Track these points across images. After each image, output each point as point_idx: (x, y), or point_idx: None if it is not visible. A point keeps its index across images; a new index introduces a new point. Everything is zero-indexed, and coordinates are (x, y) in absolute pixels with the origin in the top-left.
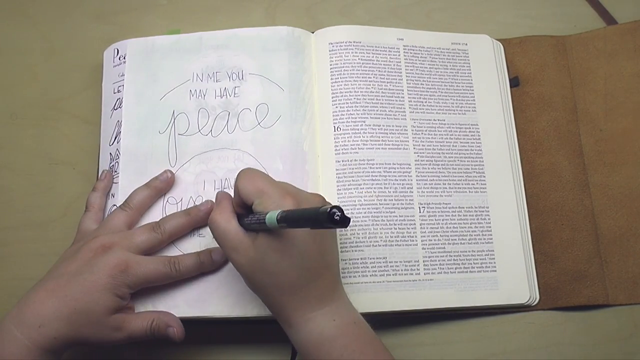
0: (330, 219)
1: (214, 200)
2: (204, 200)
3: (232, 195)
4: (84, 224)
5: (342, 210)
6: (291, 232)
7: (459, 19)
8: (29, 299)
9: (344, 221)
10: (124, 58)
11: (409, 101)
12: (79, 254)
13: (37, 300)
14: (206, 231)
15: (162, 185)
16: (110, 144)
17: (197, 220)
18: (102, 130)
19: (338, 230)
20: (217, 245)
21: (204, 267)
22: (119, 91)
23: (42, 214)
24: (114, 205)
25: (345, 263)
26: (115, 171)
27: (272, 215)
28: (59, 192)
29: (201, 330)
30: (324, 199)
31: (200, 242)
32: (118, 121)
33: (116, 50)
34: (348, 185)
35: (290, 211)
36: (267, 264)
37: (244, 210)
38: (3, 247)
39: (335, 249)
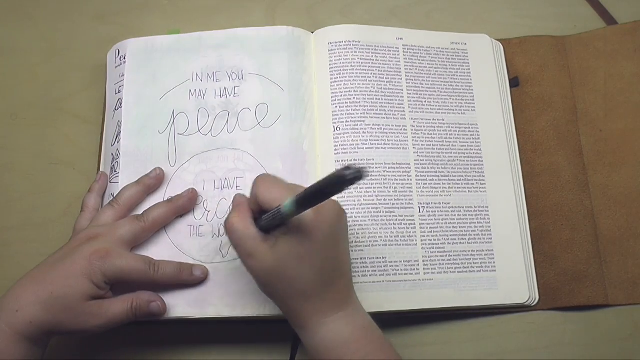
0: (347, 176)
1: (228, 202)
2: (203, 199)
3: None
4: (79, 224)
5: (353, 167)
6: (312, 235)
7: (459, 19)
8: (13, 287)
9: (360, 174)
10: (124, 58)
11: (409, 101)
12: (66, 245)
13: (19, 286)
14: (205, 231)
15: (152, 182)
16: (112, 144)
17: (179, 206)
18: (106, 131)
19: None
20: (229, 246)
21: (182, 278)
22: (119, 92)
23: (42, 214)
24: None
25: None
26: (115, 171)
27: (288, 202)
28: (59, 192)
29: (201, 330)
30: (340, 206)
31: (199, 243)
32: (119, 121)
33: (117, 51)
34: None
35: (305, 190)
36: (285, 270)
37: (260, 215)
38: (3, 247)
39: (348, 252)
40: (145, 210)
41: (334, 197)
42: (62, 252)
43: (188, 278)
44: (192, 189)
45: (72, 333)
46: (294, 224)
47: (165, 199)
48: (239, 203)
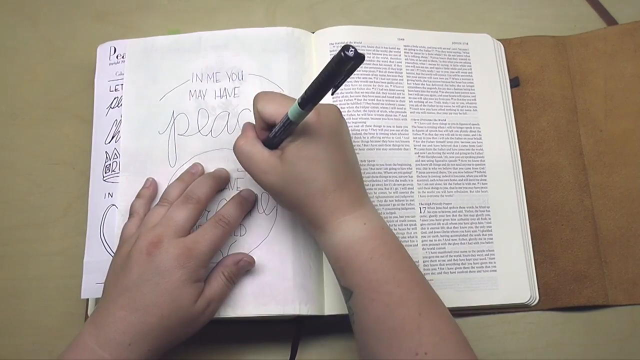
0: (348, 57)
1: None
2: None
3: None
4: (126, 229)
5: (354, 48)
6: (316, 135)
7: (459, 19)
8: (105, 318)
9: (361, 54)
10: (122, 57)
11: (410, 101)
12: (131, 261)
13: (117, 318)
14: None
15: (191, 176)
16: (107, 142)
17: (221, 177)
18: (95, 127)
19: None
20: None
21: (244, 206)
22: (116, 89)
23: (42, 214)
24: (112, 205)
25: None
26: (114, 171)
27: (293, 106)
28: (59, 192)
29: (201, 330)
30: (339, 109)
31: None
32: (116, 120)
33: (113, 48)
34: None
35: (308, 87)
36: (297, 174)
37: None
38: (3, 247)
39: (355, 156)
40: (189, 191)
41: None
42: (135, 271)
43: (250, 202)
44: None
45: (188, 335)
46: (298, 130)
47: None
48: (245, 127)
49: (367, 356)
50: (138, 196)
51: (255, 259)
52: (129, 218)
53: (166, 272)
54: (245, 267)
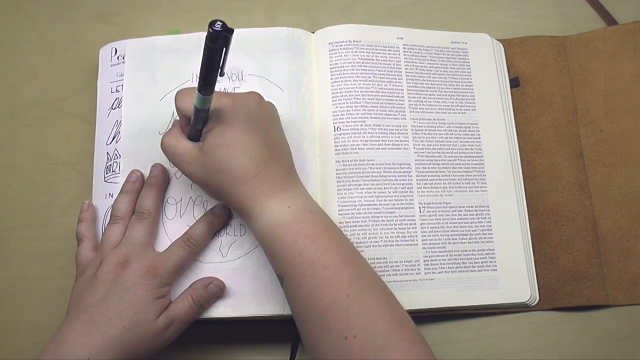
0: (216, 32)
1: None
2: (203, 200)
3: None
4: (81, 255)
5: (221, 21)
6: (232, 121)
7: (459, 19)
8: (66, 334)
9: (229, 29)
10: (123, 58)
11: (409, 101)
12: (97, 282)
13: (78, 333)
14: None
15: (134, 186)
16: (108, 143)
17: (155, 180)
18: (98, 129)
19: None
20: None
21: (215, 224)
22: (117, 90)
23: (42, 214)
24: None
25: None
26: (113, 171)
27: (196, 94)
28: (59, 192)
29: (201, 330)
30: (260, 95)
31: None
32: (117, 121)
33: (114, 50)
34: (348, 185)
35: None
36: (217, 162)
37: None
38: (3, 247)
39: (282, 140)
40: (138, 206)
41: (320, 193)
42: (101, 289)
43: (220, 222)
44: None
45: (147, 354)
46: (214, 118)
47: (166, 200)
48: (171, 125)
49: (305, 343)
50: (80, 220)
51: (255, 259)
52: (78, 244)
53: (132, 287)
54: (215, 291)
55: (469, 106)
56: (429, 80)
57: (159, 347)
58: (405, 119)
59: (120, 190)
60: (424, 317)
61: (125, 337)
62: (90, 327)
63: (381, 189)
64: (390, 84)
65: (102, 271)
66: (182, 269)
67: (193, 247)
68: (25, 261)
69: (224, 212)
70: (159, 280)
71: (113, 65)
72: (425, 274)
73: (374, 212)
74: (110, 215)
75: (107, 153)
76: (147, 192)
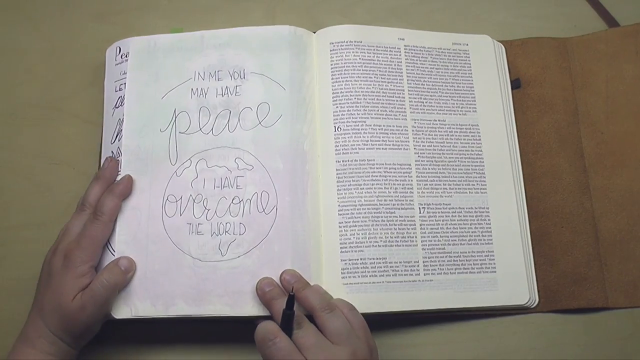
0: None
1: (228, 201)
2: (203, 198)
3: None
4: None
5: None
6: None
7: (459, 19)
8: (28, 316)
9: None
10: (126, 56)
11: (410, 101)
12: (44, 265)
13: (31, 317)
14: (205, 229)
15: (107, 173)
16: (112, 142)
17: (103, 175)
18: (105, 129)
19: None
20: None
21: (120, 191)
22: (120, 89)
23: (42, 214)
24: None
25: (345, 263)
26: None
27: None
28: (59, 192)
29: (200, 329)
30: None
31: (198, 241)
32: (119, 119)
33: (118, 49)
34: (348, 185)
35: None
36: None
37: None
38: (3, 247)
39: None
40: (81, 200)
41: (320, 193)
42: (41, 279)
43: (123, 191)
44: (128, 175)
45: (84, 335)
46: None
47: (166, 198)
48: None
49: None
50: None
51: (255, 258)
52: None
53: (55, 273)
54: (126, 266)
55: (470, 107)
56: (430, 81)
57: (84, 328)
58: (406, 119)
59: (94, 177)
60: (422, 318)
61: (54, 318)
62: (36, 311)
63: (381, 189)
64: (391, 85)
65: (49, 257)
66: (98, 243)
67: (102, 217)
68: (25, 261)
69: (128, 181)
70: (75, 259)
71: (117, 64)
72: (424, 275)
73: (374, 212)
74: (78, 203)
75: (112, 152)
76: (92, 185)
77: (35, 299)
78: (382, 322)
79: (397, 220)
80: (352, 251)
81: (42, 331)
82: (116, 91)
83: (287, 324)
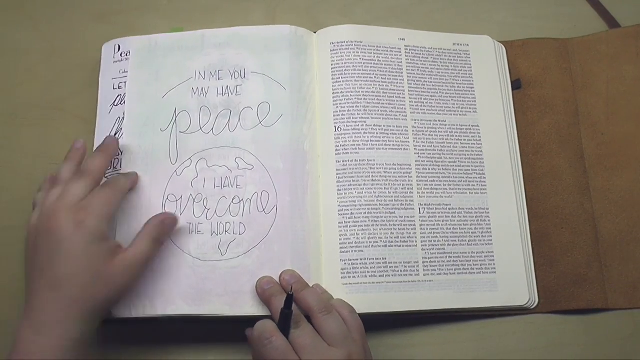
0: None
1: (228, 201)
2: (203, 197)
3: None
4: (31, 220)
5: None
6: None
7: (459, 19)
8: (33, 302)
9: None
10: (126, 55)
11: (410, 102)
12: (32, 239)
13: (44, 300)
14: (204, 229)
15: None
16: None
17: (106, 146)
18: (98, 125)
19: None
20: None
21: (108, 150)
22: (119, 87)
23: None
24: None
25: (345, 263)
26: (115, 168)
27: None
28: None
29: (200, 329)
30: None
31: (198, 240)
32: (119, 117)
33: (117, 47)
34: (348, 185)
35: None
36: None
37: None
38: (3, 247)
39: None
40: (82, 166)
41: (320, 193)
42: (42, 247)
43: (113, 147)
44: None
45: (118, 298)
46: None
47: (166, 197)
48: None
49: None
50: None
51: (255, 258)
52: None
53: (69, 239)
54: (172, 225)
55: (470, 108)
56: (430, 82)
57: (124, 290)
58: (406, 119)
59: (66, 157)
60: (422, 318)
61: (88, 292)
62: (52, 291)
63: (381, 189)
64: (391, 85)
65: (31, 227)
66: (111, 204)
67: (117, 180)
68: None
69: (113, 141)
70: (92, 220)
71: (116, 61)
72: (424, 275)
73: (374, 213)
74: (53, 180)
75: None
76: (95, 154)
77: (39, 278)
78: (382, 322)
79: (397, 221)
80: (352, 251)
81: (60, 311)
82: (114, 89)
83: (284, 323)
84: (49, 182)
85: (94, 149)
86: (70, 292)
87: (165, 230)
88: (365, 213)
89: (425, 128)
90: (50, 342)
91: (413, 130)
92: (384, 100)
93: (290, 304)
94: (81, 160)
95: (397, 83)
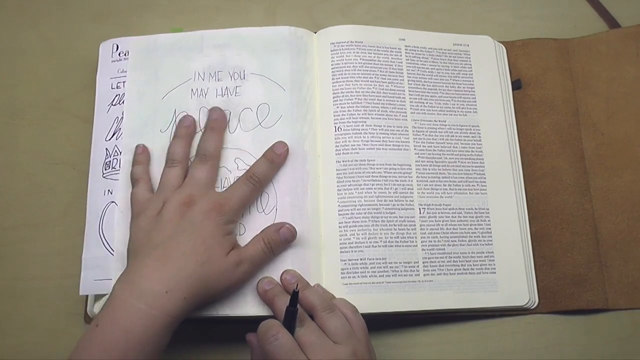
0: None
1: None
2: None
3: None
4: (139, 194)
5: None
6: None
7: (459, 20)
8: (139, 271)
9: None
10: (125, 55)
11: (410, 102)
12: (163, 221)
13: (152, 269)
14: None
15: (186, 131)
16: (107, 139)
17: (217, 125)
18: (96, 124)
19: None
20: None
21: (277, 162)
22: (118, 87)
23: (42, 214)
24: (112, 202)
25: (345, 264)
26: (114, 168)
27: None
28: (59, 192)
29: (201, 329)
30: None
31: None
32: (117, 117)
33: (115, 46)
34: (348, 185)
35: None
36: None
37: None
38: (3, 247)
39: None
40: (200, 149)
41: (320, 193)
42: (169, 227)
43: (281, 162)
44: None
45: (219, 293)
46: None
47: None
48: None
49: None
50: (136, 163)
51: None
52: (134, 185)
53: (200, 224)
54: (287, 236)
55: (470, 108)
56: (431, 82)
57: (229, 286)
58: (406, 120)
59: (174, 135)
60: (422, 318)
61: (199, 272)
62: (164, 263)
63: (381, 189)
64: (391, 85)
65: (167, 210)
66: (245, 206)
67: (256, 184)
68: (25, 261)
69: (284, 148)
70: (225, 217)
71: (114, 61)
72: (424, 275)
73: (374, 213)
74: (167, 160)
75: (107, 149)
76: (208, 135)
77: (152, 248)
78: (382, 322)
79: (397, 221)
80: (352, 251)
81: (168, 283)
82: (112, 88)
83: (289, 322)
84: (168, 163)
85: (91, 147)
86: (185, 267)
87: (278, 239)
88: (365, 213)
89: (426, 128)
90: (152, 312)
91: (413, 131)
92: (384, 100)
93: (295, 301)
94: (192, 138)
95: (397, 83)
